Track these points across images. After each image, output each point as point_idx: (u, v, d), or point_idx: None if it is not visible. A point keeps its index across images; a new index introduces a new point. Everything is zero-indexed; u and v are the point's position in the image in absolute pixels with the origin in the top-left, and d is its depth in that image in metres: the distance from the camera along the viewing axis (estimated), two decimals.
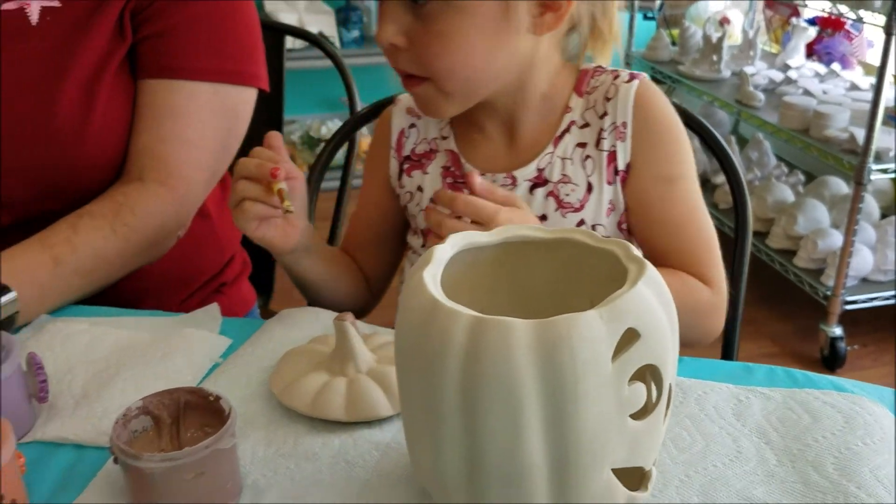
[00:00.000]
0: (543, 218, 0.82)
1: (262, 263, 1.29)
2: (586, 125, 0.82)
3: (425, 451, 0.51)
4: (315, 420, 0.65)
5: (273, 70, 1.27)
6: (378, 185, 0.92)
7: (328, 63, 2.86)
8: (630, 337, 0.46)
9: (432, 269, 0.51)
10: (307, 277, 0.85)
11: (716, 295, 0.81)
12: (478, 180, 0.73)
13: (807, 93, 2.39)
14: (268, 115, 1.30)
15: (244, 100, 0.93)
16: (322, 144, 3.08)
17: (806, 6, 2.25)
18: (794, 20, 2.88)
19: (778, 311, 2.33)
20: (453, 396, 0.47)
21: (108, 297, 0.85)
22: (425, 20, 0.73)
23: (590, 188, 0.81)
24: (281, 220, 0.76)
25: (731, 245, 1.01)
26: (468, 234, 0.56)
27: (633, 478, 0.50)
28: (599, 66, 0.84)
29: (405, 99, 0.90)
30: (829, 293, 2.05)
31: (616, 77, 0.82)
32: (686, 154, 0.82)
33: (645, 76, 0.82)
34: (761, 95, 2.43)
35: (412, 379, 0.50)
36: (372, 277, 0.94)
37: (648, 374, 0.49)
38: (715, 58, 2.68)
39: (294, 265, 0.82)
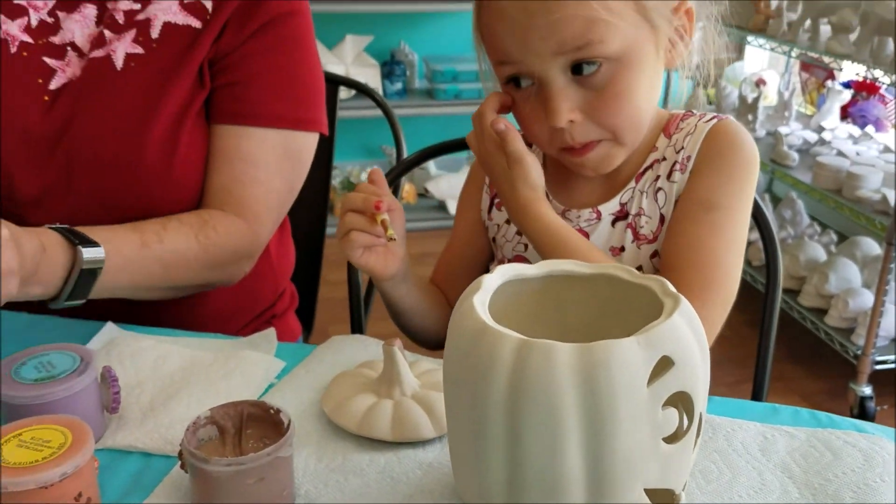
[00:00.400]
0: (622, 250, 0.85)
1: (305, 301, 1.34)
2: (663, 159, 0.85)
3: (469, 466, 0.55)
4: (362, 438, 0.70)
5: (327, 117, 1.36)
6: (470, 221, 0.97)
7: (368, 112, 2.96)
8: (664, 365, 0.50)
9: (481, 296, 0.56)
10: (401, 304, 0.89)
11: (712, 313, 0.79)
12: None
13: (840, 154, 2.43)
14: (318, 159, 1.37)
15: (307, 144, 1.00)
16: None
17: (841, 70, 2.30)
18: (829, 83, 2.92)
19: (808, 369, 2.33)
20: (498, 414, 0.51)
21: (174, 321, 0.90)
22: (597, 88, 0.76)
23: (662, 220, 0.83)
24: (383, 249, 0.82)
25: (762, 299, 1.04)
26: (515, 266, 0.60)
27: (664, 501, 0.54)
28: (690, 111, 0.87)
29: None
30: (859, 352, 2.05)
31: (701, 118, 0.85)
32: (737, 191, 0.81)
33: (730, 118, 0.84)
34: (795, 155, 2.47)
35: (460, 397, 0.55)
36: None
37: (680, 404, 0.53)
38: (750, 117, 2.72)
39: (391, 291, 0.87)
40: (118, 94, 0.91)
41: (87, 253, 0.78)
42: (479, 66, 0.86)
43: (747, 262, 2.56)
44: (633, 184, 0.86)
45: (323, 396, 0.74)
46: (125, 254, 0.83)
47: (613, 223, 0.86)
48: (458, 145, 1.19)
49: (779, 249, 1.03)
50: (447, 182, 3.19)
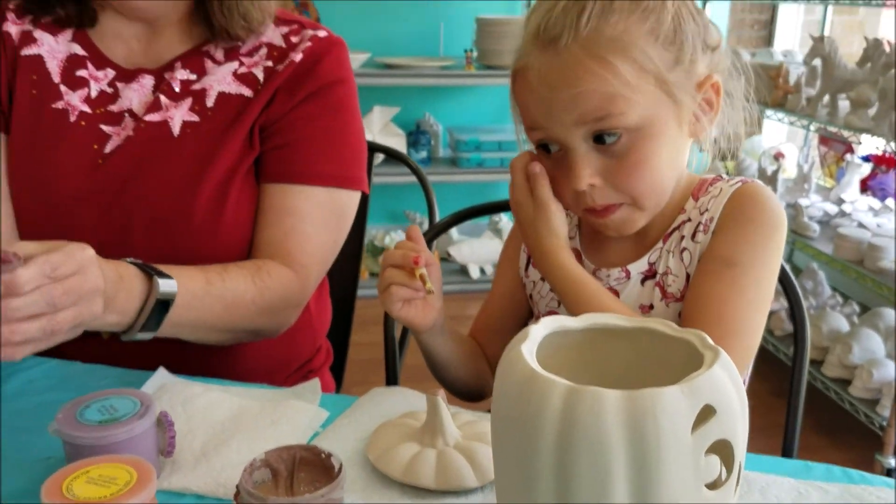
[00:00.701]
0: (651, 308, 0.88)
1: (336, 359, 1.37)
2: (689, 221, 0.88)
3: None
4: (406, 486, 0.72)
5: None
6: (508, 278, 1.01)
7: (393, 179, 3.05)
8: (706, 414, 0.53)
9: (528, 345, 0.59)
10: (439, 356, 0.93)
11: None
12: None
13: (861, 226, 2.45)
14: (353, 222, 1.42)
15: (351, 202, 1.06)
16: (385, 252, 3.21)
17: (860, 143, 2.35)
18: (848, 157, 2.97)
19: (833, 440, 2.31)
20: (548, 459, 0.53)
21: (220, 371, 0.94)
22: (618, 155, 0.80)
23: (688, 278, 0.86)
24: (421, 302, 0.85)
25: (789, 369, 1.05)
26: (559, 318, 0.64)
27: None
28: (719, 176, 0.90)
29: None
30: (884, 423, 2.04)
31: (729, 182, 0.88)
32: (759, 249, 0.83)
33: (756, 181, 0.87)
34: (816, 226, 2.50)
35: (509, 443, 0.57)
36: (495, 364, 1.00)
37: (721, 454, 0.55)
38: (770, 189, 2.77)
39: (429, 343, 0.90)
40: (174, 158, 0.97)
41: (163, 285, 0.83)
42: (516, 131, 0.90)
43: (770, 332, 2.57)
44: (660, 244, 0.89)
45: (367, 445, 0.76)
46: (192, 290, 0.87)
47: (643, 282, 0.89)
48: (484, 211, 1.23)
49: (806, 315, 1.05)
50: (469, 247, 3.24)
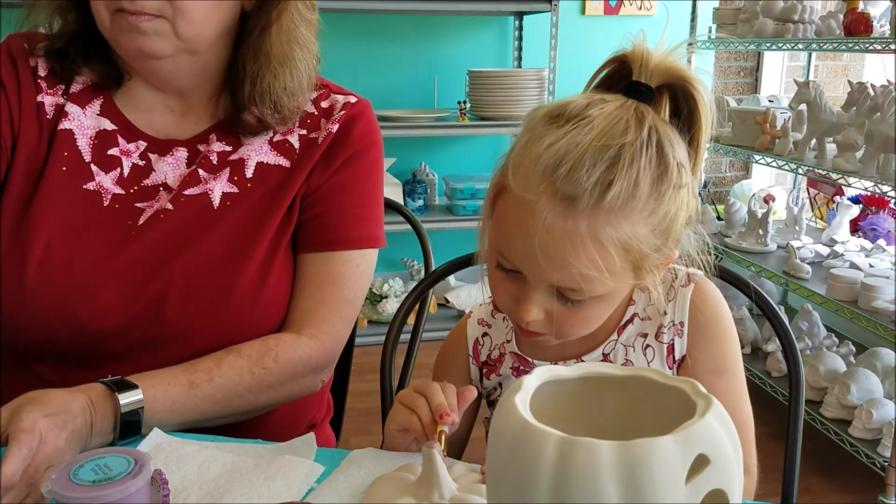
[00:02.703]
0: None
1: (335, 411, 1.37)
2: (647, 318, 0.92)
3: None
4: None
5: None
6: (453, 378, 0.98)
7: (391, 228, 3.05)
8: (700, 463, 0.53)
9: (522, 396, 0.59)
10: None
11: (752, 482, 0.88)
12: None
13: (854, 266, 2.47)
14: None
15: (374, 258, 1.08)
16: (383, 300, 3.21)
17: (850, 186, 2.38)
18: (838, 198, 3.00)
19: (835, 482, 2.29)
20: None
21: (220, 432, 0.93)
22: (570, 307, 0.80)
23: None
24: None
25: (786, 410, 1.06)
26: (552, 368, 0.64)
27: None
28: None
29: (476, 311, 1.02)
30: (886, 463, 2.03)
31: (675, 279, 0.91)
32: (734, 347, 0.91)
33: (700, 278, 0.91)
34: (808, 268, 2.51)
35: (504, 495, 0.57)
36: (457, 441, 1.02)
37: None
38: (761, 231, 2.79)
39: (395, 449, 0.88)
40: (215, 231, 0.97)
41: (124, 398, 0.84)
42: (480, 230, 0.88)
43: (767, 373, 2.57)
44: (615, 336, 0.92)
45: (363, 498, 0.76)
46: (173, 396, 0.88)
47: None
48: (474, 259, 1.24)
49: (800, 357, 1.05)
50: (466, 292, 3.26)
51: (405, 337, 1.39)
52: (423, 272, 3.62)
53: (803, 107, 2.55)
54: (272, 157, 1.01)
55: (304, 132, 1.03)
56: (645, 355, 0.91)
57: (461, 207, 3.19)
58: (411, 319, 1.25)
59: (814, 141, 2.53)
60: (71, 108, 0.99)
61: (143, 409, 0.86)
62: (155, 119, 1.02)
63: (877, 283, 2.23)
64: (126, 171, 0.99)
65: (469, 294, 3.25)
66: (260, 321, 0.98)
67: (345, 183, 1.03)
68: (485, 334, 1.00)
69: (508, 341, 0.97)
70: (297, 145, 1.02)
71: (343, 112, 1.05)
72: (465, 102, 3.16)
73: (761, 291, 1.07)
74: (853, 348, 2.51)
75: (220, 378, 0.92)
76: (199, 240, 0.96)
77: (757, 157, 2.75)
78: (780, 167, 2.64)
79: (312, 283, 1.01)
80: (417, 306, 1.31)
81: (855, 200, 2.96)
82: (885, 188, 2.15)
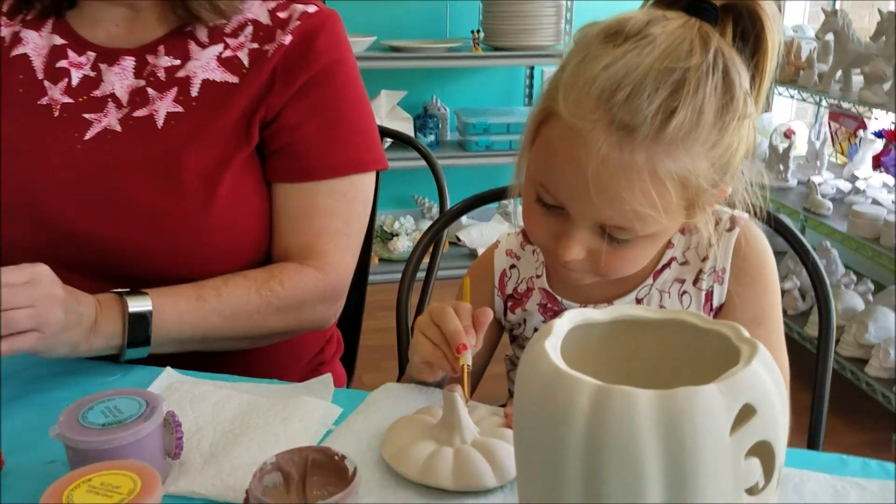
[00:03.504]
0: None
1: (348, 348, 1.35)
2: (686, 263, 0.87)
3: None
4: (423, 486, 0.69)
5: None
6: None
7: (400, 164, 3.01)
8: (745, 413, 0.49)
9: (553, 340, 0.56)
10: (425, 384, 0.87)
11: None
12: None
13: (876, 202, 2.41)
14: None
15: (371, 182, 1.03)
16: (394, 238, 3.18)
17: (874, 119, 2.30)
18: (861, 133, 2.92)
19: (849, 422, 2.28)
20: (576, 462, 0.50)
21: (227, 369, 0.91)
22: (615, 247, 0.76)
23: None
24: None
25: (805, 349, 1.03)
26: (583, 311, 0.60)
27: None
28: None
29: (504, 241, 0.97)
30: None
31: (718, 222, 0.85)
32: (776, 294, 0.86)
33: (745, 221, 0.86)
34: (829, 204, 2.46)
35: (533, 445, 0.54)
36: (473, 374, 0.98)
37: (759, 455, 0.52)
38: (781, 167, 2.72)
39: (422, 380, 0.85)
40: (154, 150, 0.93)
41: (133, 302, 0.84)
42: (518, 160, 0.82)
43: (783, 312, 2.53)
44: (650, 280, 0.87)
45: (382, 443, 0.73)
46: (181, 307, 0.88)
47: None
48: (495, 196, 1.20)
49: (831, 296, 1.02)
50: (478, 231, 3.21)
51: (418, 276, 1.37)
52: (433, 210, 3.59)
53: (830, 36, 2.46)
54: (219, 74, 0.96)
55: (255, 45, 0.97)
56: (681, 302, 0.87)
57: (474, 143, 3.12)
58: (424, 260, 1.21)
59: (839, 73, 2.45)
60: (26, 33, 1.01)
61: (151, 313, 0.85)
62: (104, 30, 1.00)
63: None
64: (75, 81, 0.98)
65: (481, 233, 3.21)
66: (210, 243, 0.94)
67: (313, 107, 0.97)
68: (513, 266, 0.96)
69: (538, 276, 0.93)
70: (246, 61, 0.96)
71: (298, 23, 0.97)
72: (478, 32, 3.06)
73: (790, 226, 1.02)
74: (871, 286, 2.47)
75: (228, 295, 0.91)
76: (139, 160, 0.93)
77: (780, 90, 2.66)
78: (803, 99, 2.56)
79: (301, 216, 0.98)
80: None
81: (878, 135, 2.88)
82: None
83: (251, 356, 0.99)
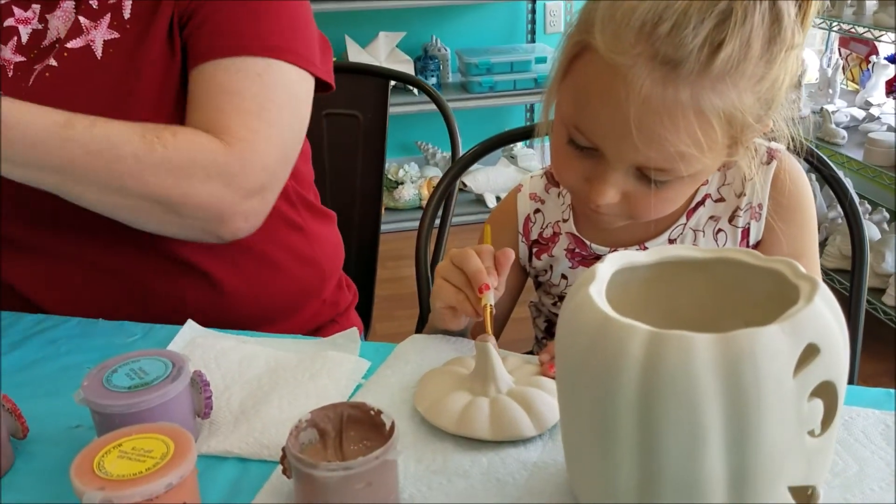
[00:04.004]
0: None
1: (363, 298, 1.33)
2: (721, 200, 0.84)
3: (593, 467, 0.52)
4: (460, 438, 0.67)
5: (378, 113, 1.33)
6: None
7: (402, 109, 2.95)
8: (808, 353, 0.47)
9: (597, 286, 0.53)
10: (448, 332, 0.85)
11: None
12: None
13: (891, 129, 2.36)
14: (370, 155, 1.35)
15: (300, 80, 0.92)
16: (399, 186, 3.14)
17: (889, 42, 2.24)
18: (873, 58, 2.85)
19: (867, 351, 2.26)
20: (629, 411, 0.48)
21: (226, 324, 0.88)
22: (653, 189, 0.72)
23: None
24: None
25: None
26: (627, 253, 0.58)
27: (800, 498, 0.51)
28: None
29: (527, 184, 0.94)
30: None
31: (755, 154, 0.81)
32: (812, 230, 0.84)
33: (783, 153, 0.82)
34: (844, 133, 2.41)
35: (581, 395, 0.52)
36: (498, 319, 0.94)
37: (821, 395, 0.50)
38: (794, 96, 2.66)
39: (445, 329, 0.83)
40: (98, 82, 0.88)
41: None
42: (546, 96, 0.78)
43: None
44: (683, 220, 0.84)
45: (416, 396, 0.71)
46: (40, 126, 0.77)
47: None
48: (506, 140, 1.17)
49: (865, 234, 0.99)
50: (484, 176, 3.16)
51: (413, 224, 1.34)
52: (437, 156, 3.54)
53: None
54: None
55: None
56: (716, 241, 0.84)
57: (477, 84, 3.05)
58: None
59: None
60: None
61: None
62: None
63: None
64: (25, 37, 0.92)
65: (487, 177, 3.16)
66: None
67: None
68: (537, 211, 0.92)
69: (565, 220, 0.90)
70: None
71: None
72: None
73: (834, 169, 0.99)
74: (887, 215, 2.44)
75: (104, 128, 0.79)
76: (85, 96, 0.88)
77: None
78: (816, 25, 2.49)
79: (204, 95, 0.87)
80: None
81: (891, 60, 2.81)
82: None
83: (250, 313, 0.96)
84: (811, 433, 0.49)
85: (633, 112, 0.66)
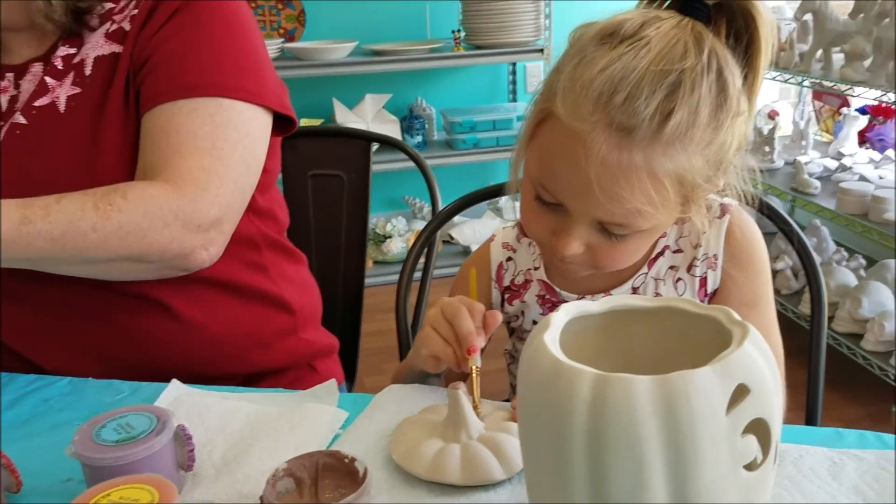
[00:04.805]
0: None
1: (348, 350, 1.36)
2: (679, 251, 0.89)
3: (552, 501, 0.56)
4: (432, 484, 0.71)
5: (361, 173, 1.39)
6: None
7: (389, 166, 3.03)
8: (740, 393, 0.51)
9: (551, 333, 0.58)
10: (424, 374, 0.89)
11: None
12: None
13: (862, 178, 2.43)
14: (356, 212, 1.41)
15: (252, 117, 0.96)
16: (387, 240, 3.19)
17: (856, 96, 2.32)
18: (844, 110, 2.94)
19: (847, 395, 2.30)
20: (580, 450, 0.52)
21: (197, 358, 0.92)
22: (612, 241, 0.77)
23: None
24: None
25: (800, 327, 1.05)
26: (580, 303, 0.62)
27: None
28: None
29: (500, 234, 0.99)
30: None
31: (708, 209, 0.87)
32: (767, 277, 0.89)
33: (735, 208, 0.88)
34: (817, 183, 2.48)
35: (538, 436, 0.56)
36: None
37: (756, 432, 0.54)
38: (767, 148, 2.75)
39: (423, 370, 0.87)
40: (62, 135, 0.94)
41: None
42: (514, 159, 0.84)
43: (777, 291, 2.56)
44: (645, 269, 0.90)
45: (390, 443, 0.75)
46: (2, 234, 0.82)
47: None
48: (487, 195, 1.22)
49: (820, 272, 1.04)
50: (470, 228, 3.23)
51: (415, 277, 1.38)
52: (425, 210, 3.59)
53: (809, 17, 2.48)
54: (106, 48, 0.97)
55: (135, 12, 0.98)
56: (676, 289, 0.89)
57: (461, 142, 3.14)
58: (420, 261, 1.23)
59: (820, 52, 2.47)
60: None
61: None
62: (17, 53, 1.01)
63: (887, 194, 2.20)
64: (4, 105, 0.99)
65: (473, 230, 3.23)
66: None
67: (173, 33, 0.95)
68: (509, 259, 0.97)
69: (536, 268, 0.95)
70: (128, 27, 0.97)
71: None
72: (459, 31, 3.07)
73: (778, 209, 1.05)
74: (863, 262, 2.50)
75: (59, 214, 0.83)
76: (54, 147, 0.94)
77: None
78: (786, 81, 2.58)
79: (151, 138, 0.91)
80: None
81: (862, 111, 2.90)
82: (892, 96, 2.10)
83: (214, 353, 1.00)
84: (748, 467, 0.52)
85: (593, 173, 0.71)
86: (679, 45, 0.71)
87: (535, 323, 0.95)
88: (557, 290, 0.93)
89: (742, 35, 0.76)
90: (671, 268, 0.89)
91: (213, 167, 0.90)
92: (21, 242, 0.82)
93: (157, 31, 0.95)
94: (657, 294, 0.89)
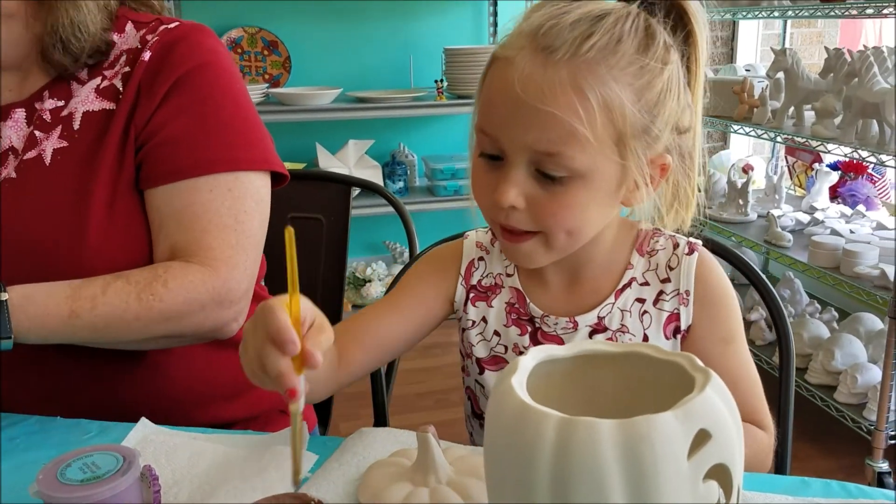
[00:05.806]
0: None
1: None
2: (646, 284, 0.90)
3: None
4: None
5: (340, 216, 1.41)
6: (432, 296, 0.96)
7: (370, 211, 3.04)
8: (702, 438, 0.52)
9: (518, 377, 0.58)
10: None
11: (770, 437, 0.88)
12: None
13: (834, 232, 2.48)
14: (334, 255, 1.42)
15: (263, 184, 1.02)
16: (367, 284, 3.19)
17: (829, 152, 2.38)
18: (816, 165, 3.01)
19: (822, 447, 2.31)
20: (544, 492, 0.52)
21: (171, 407, 0.92)
22: (551, 191, 0.78)
23: (645, 338, 0.89)
24: None
25: (775, 377, 1.06)
26: (547, 347, 0.63)
27: None
28: (658, 229, 0.91)
29: (474, 234, 0.99)
30: (872, 427, 2.05)
31: (676, 246, 0.90)
32: (738, 315, 0.91)
33: (700, 246, 0.90)
34: (789, 236, 2.52)
35: (504, 477, 0.56)
36: (350, 373, 0.91)
37: (718, 478, 0.55)
38: (741, 202, 2.80)
39: None
40: (46, 188, 0.95)
41: None
42: (473, 114, 0.85)
43: (751, 342, 2.58)
44: (611, 299, 0.90)
45: (359, 487, 0.75)
46: (50, 327, 0.87)
47: (591, 335, 0.90)
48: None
49: (789, 325, 1.05)
50: None
51: None
52: (405, 255, 3.62)
53: (780, 75, 2.55)
54: (97, 104, 0.99)
55: (127, 69, 1.00)
56: (642, 321, 0.89)
57: (442, 188, 3.17)
58: None
59: (792, 109, 2.53)
60: None
61: (12, 340, 0.85)
62: None
63: (858, 248, 2.25)
64: None
65: None
66: (120, 264, 0.94)
67: (179, 109, 0.98)
68: (481, 258, 0.97)
69: (510, 275, 0.94)
70: (120, 86, 0.99)
71: (157, 38, 1.01)
72: (441, 81, 3.13)
73: (747, 260, 1.07)
74: (836, 314, 2.53)
75: (104, 307, 0.89)
76: (34, 201, 0.95)
77: (735, 127, 2.74)
78: (758, 136, 2.64)
79: (183, 213, 0.96)
80: None
81: (833, 167, 2.97)
82: (864, 154, 2.16)
83: (187, 397, 1.01)
84: None
85: (520, 88, 0.75)
86: (618, 7, 0.78)
87: (496, 334, 0.94)
88: (528, 300, 0.92)
89: (678, 30, 0.82)
90: (638, 300, 0.90)
91: (239, 243, 0.97)
92: (66, 332, 0.88)
93: (160, 104, 0.98)
94: (623, 325, 0.89)
